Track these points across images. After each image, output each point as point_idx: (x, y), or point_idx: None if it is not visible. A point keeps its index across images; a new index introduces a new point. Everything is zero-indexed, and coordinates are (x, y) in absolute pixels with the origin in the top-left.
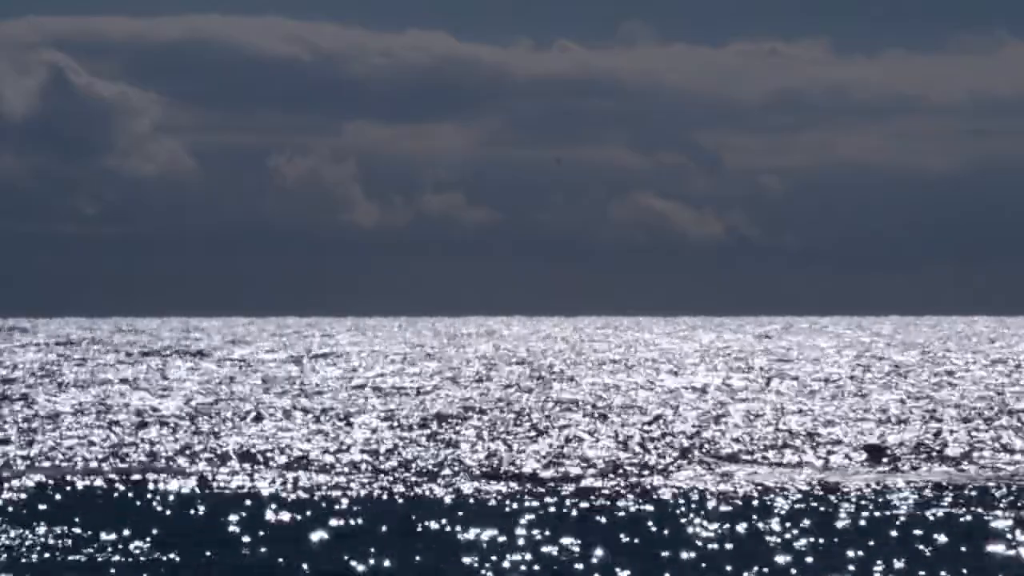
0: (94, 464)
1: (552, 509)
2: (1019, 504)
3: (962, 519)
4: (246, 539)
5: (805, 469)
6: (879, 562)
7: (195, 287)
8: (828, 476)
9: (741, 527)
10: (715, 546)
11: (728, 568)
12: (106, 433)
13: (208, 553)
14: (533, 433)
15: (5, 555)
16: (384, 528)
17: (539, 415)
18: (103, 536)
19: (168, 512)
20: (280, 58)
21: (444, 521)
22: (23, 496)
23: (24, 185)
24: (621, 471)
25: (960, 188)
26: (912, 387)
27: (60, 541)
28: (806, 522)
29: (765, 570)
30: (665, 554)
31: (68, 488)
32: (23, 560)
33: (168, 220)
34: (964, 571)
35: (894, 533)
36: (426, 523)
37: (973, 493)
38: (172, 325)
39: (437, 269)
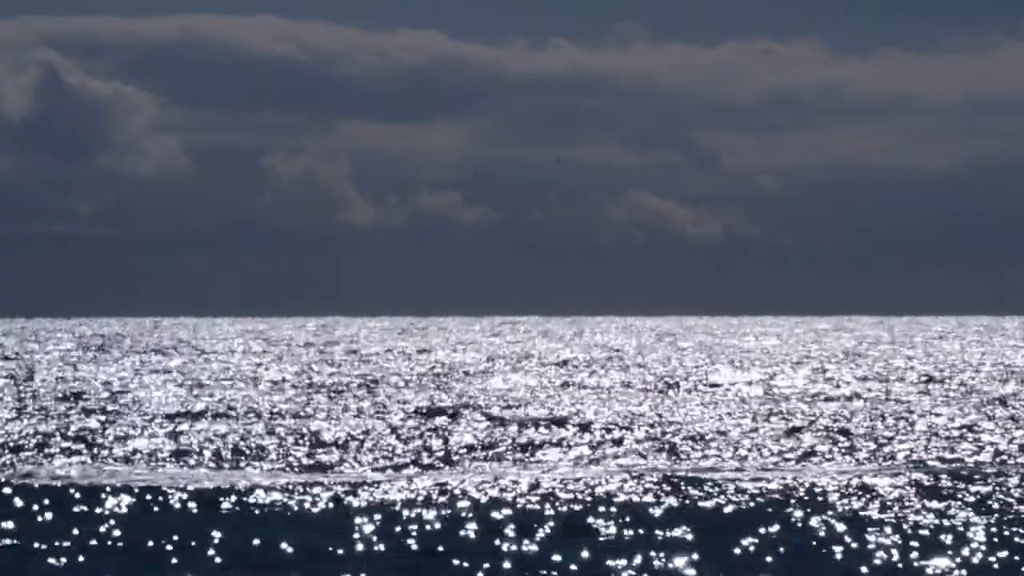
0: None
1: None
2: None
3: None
4: None
5: None
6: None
7: (192, 287)
8: None
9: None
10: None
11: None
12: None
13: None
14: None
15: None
16: None
17: None
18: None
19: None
20: (273, 58)
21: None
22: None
23: (19, 185)
24: None
25: (956, 187)
26: None
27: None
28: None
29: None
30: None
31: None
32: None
33: (164, 220)
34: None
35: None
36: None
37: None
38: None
39: (435, 269)
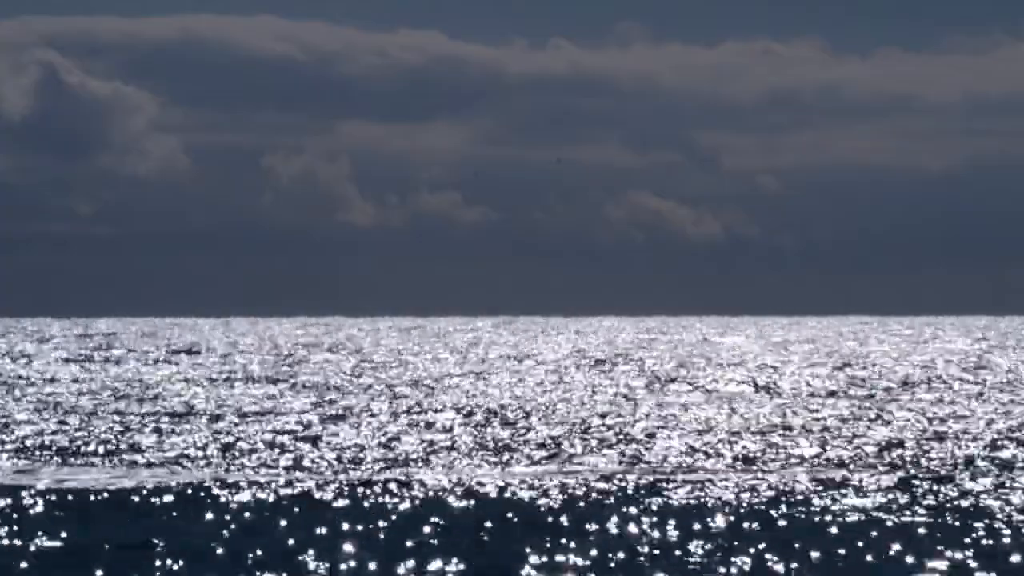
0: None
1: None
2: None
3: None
4: None
5: None
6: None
7: (192, 287)
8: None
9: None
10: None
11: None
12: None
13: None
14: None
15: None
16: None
17: None
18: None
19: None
20: (273, 58)
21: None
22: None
23: (19, 185)
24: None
25: (956, 187)
26: None
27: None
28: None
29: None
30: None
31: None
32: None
33: (164, 219)
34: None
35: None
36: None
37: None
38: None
39: (435, 269)
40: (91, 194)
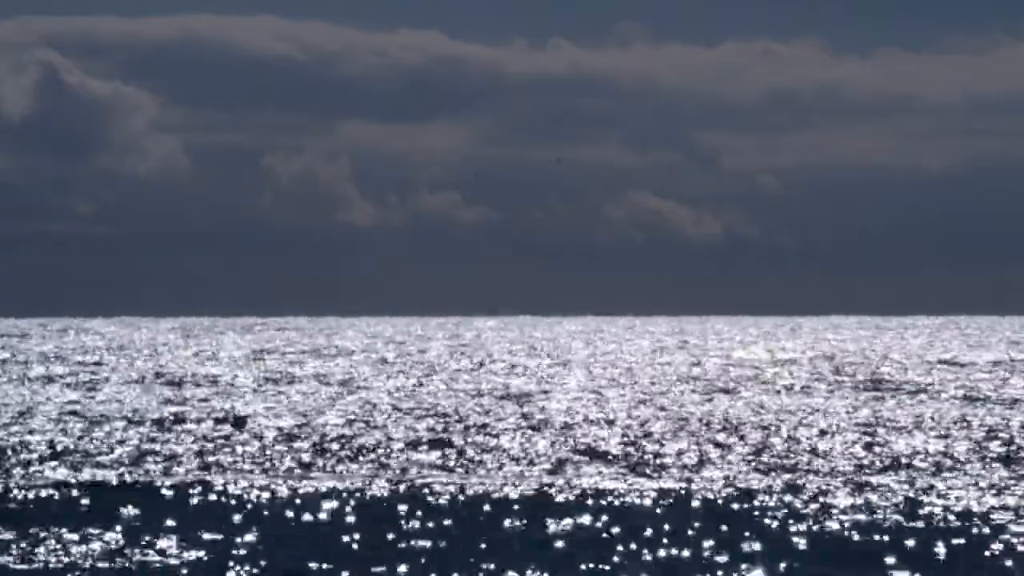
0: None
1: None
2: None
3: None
4: None
5: None
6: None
7: (192, 287)
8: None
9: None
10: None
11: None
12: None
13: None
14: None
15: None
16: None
17: None
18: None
19: None
20: (273, 58)
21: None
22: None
23: (19, 185)
24: None
25: (956, 187)
26: None
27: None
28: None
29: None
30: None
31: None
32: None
33: (164, 219)
34: None
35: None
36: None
37: None
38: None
39: (435, 269)
40: (91, 194)
